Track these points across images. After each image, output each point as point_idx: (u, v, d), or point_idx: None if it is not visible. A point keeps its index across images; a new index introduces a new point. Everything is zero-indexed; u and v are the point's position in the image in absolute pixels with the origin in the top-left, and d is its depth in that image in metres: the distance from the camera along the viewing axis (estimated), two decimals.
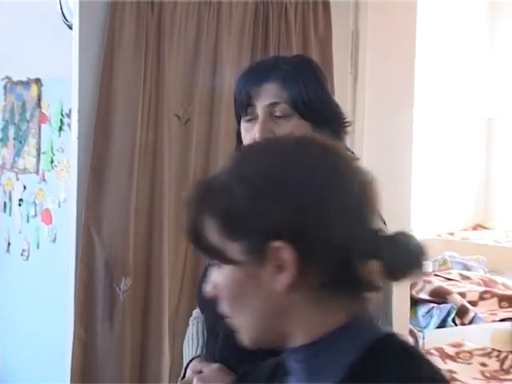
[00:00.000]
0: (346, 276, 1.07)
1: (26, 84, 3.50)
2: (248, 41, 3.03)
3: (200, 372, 1.75)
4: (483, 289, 5.60)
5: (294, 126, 1.80)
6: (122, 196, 2.84)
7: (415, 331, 4.81)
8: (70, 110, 3.16)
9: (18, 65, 3.58)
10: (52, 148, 3.35)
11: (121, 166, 2.84)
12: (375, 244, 1.07)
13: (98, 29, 2.83)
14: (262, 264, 1.06)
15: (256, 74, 1.84)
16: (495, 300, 5.47)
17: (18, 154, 3.57)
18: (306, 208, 1.05)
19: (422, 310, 5.10)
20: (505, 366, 4.73)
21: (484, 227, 7.62)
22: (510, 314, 5.23)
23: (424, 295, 5.21)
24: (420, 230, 6.51)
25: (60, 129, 3.31)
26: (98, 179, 2.82)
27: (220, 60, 2.99)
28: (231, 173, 1.10)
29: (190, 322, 1.97)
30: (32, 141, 3.47)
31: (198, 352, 1.87)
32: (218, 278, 1.10)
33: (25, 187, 3.53)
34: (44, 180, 3.41)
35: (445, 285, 5.44)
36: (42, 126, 3.42)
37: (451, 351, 4.76)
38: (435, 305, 5.11)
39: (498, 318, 5.21)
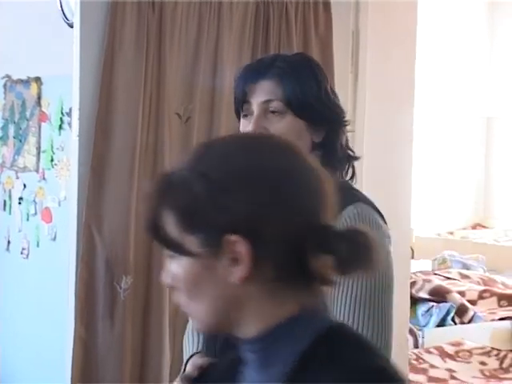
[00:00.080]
0: (299, 270, 1.11)
1: (26, 82, 3.49)
2: (249, 40, 3.03)
3: (200, 367, 1.75)
4: (482, 288, 5.61)
5: (287, 124, 1.81)
6: (122, 194, 2.84)
7: (415, 330, 4.82)
8: (70, 109, 3.16)
9: (17, 63, 3.58)
10: (52, 146, 3.35)
11: (121, 164, 2.84)
12: (328, 240, 1.10)
13: (99, 28, 2.83)
14: (218, 257, 1.10)
15: (253, 71, 1.85)
16: (494, 299, 5.47)
17: (17, 152, 3.57)
18: (262, 204, 1.09)
19: (422, 308, 5.10)
20: (504, 365, 4.74)
21: (483, 226, 7.63)
22: (510, 313, 5.24)
23: (423, 294, 5.21)
24: (420, 229, 6.52)
25: (60, 127, 3.31)
26: (99, 178, 2.82)
27: (220, 59, 2.99)
28: (191, 168, 1.13)
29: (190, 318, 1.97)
30: (32, 139, 3.47)
31: (199, 348, 1.87)
32: (176, 268, 1.14)
33: (25, 186, 3.53)
34: (44, 178, 3.41)
35: (444, 284, 5.45)
36: (42, 124, 3.42)
37: (451, 350, 4.77)
38: (435, 304, 5.12)
39: (498, 317, 5.21)
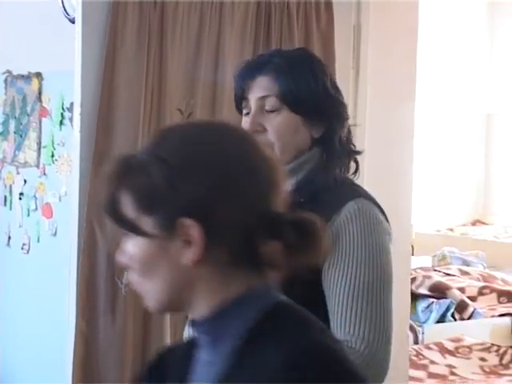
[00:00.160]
0: (250, 254, 1.16)
1: (27, 78, 3.49)
2: (250, 35, 3.03)
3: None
4: (482, 284, 5.62)
5: (283, 119, 1.81)
6: None
7: (415, 326, 4.83)
8: (70, 104, 3.16)
9: (18, 59, 3.58)
10: (53, 142, 3.35)
11: None
12: (277, 227, 1.15)
13: (101, 24, 2.83)
14: (172, 238, 1.15)
15: (252, 68, 1.86)
16: (494, 295, 5.48)
17: (18, 147, 3.56)
18: (215, 189, 1.14)
19: (422, 305, 5.11)
20: (504, 361, 4.75)
21: (483, 223, 7.64)
22: (509, 310, 5.25)
23: (423, 290, 5.22)
24: (419, 226, 6.52)
25: (61, 123, 3.30)
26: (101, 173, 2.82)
27: (222, 54, 2.99)
28: (150, 152, 1.18)
29: None
30: (33, 135, 3.47)
31: None
32: (131, 248, 1.18)
33: (25, 181, 3.53)
34: (45, 174, 3.40)
35: (444, 280, 5.46)
36: (43, 119, 3.41)
37: (451, 346, 4.78)
38: (435, 300, 5.13)
39: (497, 313, 5.22)
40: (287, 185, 1.21)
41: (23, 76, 3.51)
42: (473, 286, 5.53)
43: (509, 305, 5.36)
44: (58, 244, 3.29)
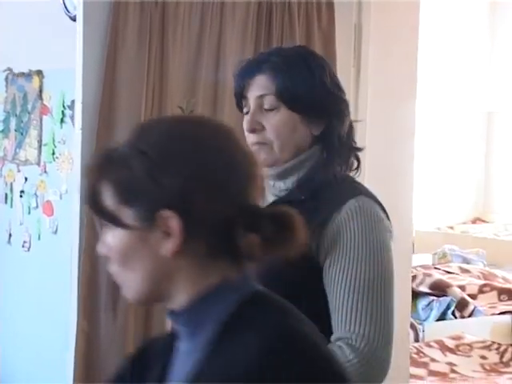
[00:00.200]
0: (228, 246, 1.18)
1: (28, 76, 3.49)
2: (251, 34, 3.03)
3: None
4: (483, 282, 5.62)
5: (281, 118, 1.81)
6: None
7: (415, 324, 4.83)
8: (71, 102, 3.16)
9: (19, 56, 3.58)
10: (53, 140, 3.35)
11: None
12: (255, 220, 1.17)
13: (102, 22, 2.83)
14: (151, 230, 1.17)
15: (251, 66, 1.87)
16: (495, 293, 5.48)
17: (19, 145, 3.57)
18: (194, 182, 1.16)
19: (422, 302, 5.11)
20: (504, 359, 4.75)
21: (483, 221, 7.64)
22: (510, 307, 5.25)
23: (424, 288, 5.22)
24: (420, 224, 6.52)
25: (61, 121, 3.31)
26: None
27: (223, 53, 2.99)
28: (131, 145, 1.20)
29: None
30: (33, 132, 3.47)
31: None
32: (111, 239, 1.21)
33: (26, 179, 3.53)
34: (45, 172, 3.41)
35: (444, 278, 5.46)
36: (44, 117, 3.42)
37: (451, 344, 4.78)
38: (435, 298, 5.13)
39: (498, 311, 5.22)
40: (265, 181, 1.22)
41: (24, 74, 3.52)
42: (473, 283, 5.53)
43: (509, 303, 5.37)
44: (59, 242, 3.29)
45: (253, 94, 1.83)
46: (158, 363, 1.28)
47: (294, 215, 1.19)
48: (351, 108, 1.97)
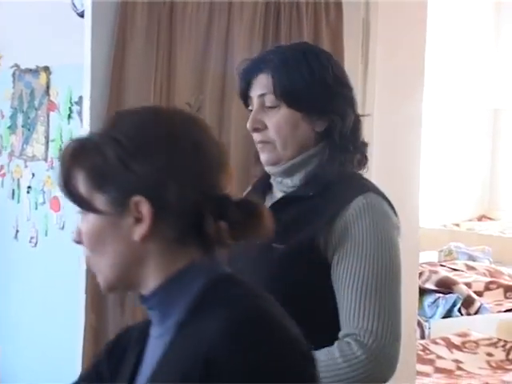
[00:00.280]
0: (197, 232, 1.21)
1: (35, 72, 3.50)
2: (259, 30, 3.02)
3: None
4: (489, 279, 5.62)
5: (282, 116, 1.81)
6: None
7: (421, 321, 4.83)
8: (79, 98, 3.17)
9: (26, 52, 3.58)
10: (61, 136, 3.36)
11: None
12: (223, 207, 1.21)
13: (110, 18, 2.84)
14: (123, 215, 1.20)
15: (253, 65, 1.87)
16: (501, 290, 5.48)
17: (26, 141, 3.57)
18: (164, 169, 1.19)
19: (428, 300, 5.11)
20: (511, 356, 4.75)
21: (489, 218, 7.63)
22: None
23: (430, 285, 5.22)
24: (426, 221, 6.52)
25: (69, 116, 3.31)
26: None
27: (231, 49, 2.98)
28: (104, 133, 1.23)
29: None
30: (41, 128, 3.47)
31: None
32: (84, 225, 1.24)
33: (33, 175, 3.54)
34: (52, 167, 3.41)
35: (451, 275, 5.46)
36: (51, 113, 3.42)
37: (457, 341, 4.78)
38: (441, 295, 5.13)
39: (504, 309, 5.23)
40: (234, 171, 1.28)
41: (31, 70, 3.52)
42: (479, 281, 5.53)
43: None
44: (66, 237, 3.29)
45: (255, 93, 1.84)
46: (134, 350, 1.30)
47: (260, 203, 1.25)
48: (358, 103, 1.96)
